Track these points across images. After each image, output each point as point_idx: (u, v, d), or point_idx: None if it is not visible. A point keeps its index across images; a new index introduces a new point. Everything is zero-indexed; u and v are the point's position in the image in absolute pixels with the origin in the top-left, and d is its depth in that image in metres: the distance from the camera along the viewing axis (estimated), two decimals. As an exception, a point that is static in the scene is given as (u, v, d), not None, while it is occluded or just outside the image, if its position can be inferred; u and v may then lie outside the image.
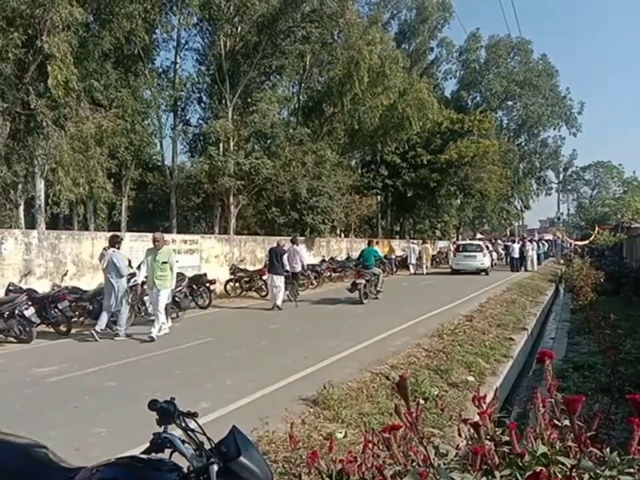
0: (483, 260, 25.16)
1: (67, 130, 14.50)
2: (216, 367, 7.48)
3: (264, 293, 15.67)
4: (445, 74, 46.40)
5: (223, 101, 21.64)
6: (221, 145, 21.20)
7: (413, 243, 28.33)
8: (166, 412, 2.00)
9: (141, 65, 19.62)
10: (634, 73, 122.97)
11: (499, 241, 36.94)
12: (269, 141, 23.98)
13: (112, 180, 18.50)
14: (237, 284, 16.28)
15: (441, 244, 37.90)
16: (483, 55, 46.30)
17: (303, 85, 27.18)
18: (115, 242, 10.21)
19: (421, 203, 35.53)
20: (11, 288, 10.55)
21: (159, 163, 25.48)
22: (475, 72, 45.57)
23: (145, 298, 11.00)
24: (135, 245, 14.17)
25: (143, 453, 2.09)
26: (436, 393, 6.15)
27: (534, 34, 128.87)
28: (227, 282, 16.30)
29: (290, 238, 15.94)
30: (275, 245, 14.46)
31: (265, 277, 15.67)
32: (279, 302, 13.42)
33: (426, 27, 39.40)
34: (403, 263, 26.94)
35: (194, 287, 13.47)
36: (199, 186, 22.89)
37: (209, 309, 13.30)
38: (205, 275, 14.00)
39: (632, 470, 1.69)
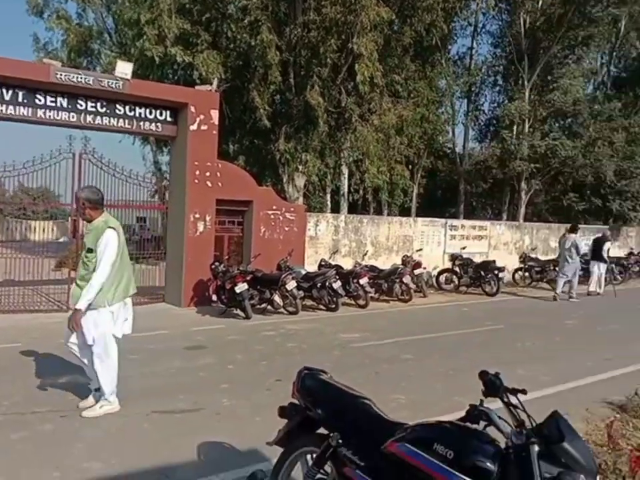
0: None
1: (371, 122, 15.95)
2: (506, 355, 7.35)
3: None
4: None
5: (520, 82, 20.70)
6: (514, 127, 20.37)
7: None
8: (493, 384, 2.08)
9: (438, 55, 20.15)
10: None
11: None
12: (569, 120, 21.99)
13: (409, 167, 19.66)
14: (527, 273, 15.52)
15: None
16: None
17: (615, 54, 23.95)
18: (575, 229, 13.23)
19: None
20: (322, 263, 12.22)
21: (449, 150, 25.87)
22: None
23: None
24: (425, 230, 14.81)
25: (458, 421, 2.19)
26: None
27: None
28: (516, 270, 15.70)
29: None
30: (601, 234, 14.96)
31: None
32: (594, 288, 14.15)
33: None
34: None
35: (481, 273, 13.43)
36: (488, 171, 22.47)
37: (496, 296, 13.07)
38: (494, 262, 13.76)
39: None
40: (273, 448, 2.95)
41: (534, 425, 2.00)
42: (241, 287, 9.33)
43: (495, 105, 23.43)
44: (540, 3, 20.25)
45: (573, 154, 19.08)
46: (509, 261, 15.70)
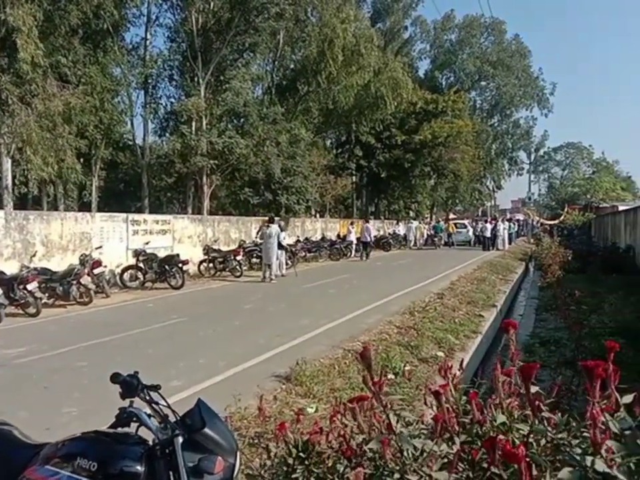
0: (467, 234, 32.84)
1: (34, 107, 14.08)
2: (189, 346, 7.47)
3: (238, 273, 15.64)
4: (420, 53, 46.51)
5: (195, 79, 21.26)
6: (193, 123, 20.88)
7: (412, 222, 32.23)
8: (129, 385, 2.01)
9: (110, 41, 19.10)
10: (603, 55, 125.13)
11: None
12: (242, 120, 23.68)
13: (81, 160, 18.13)
14: (211, 264, 16.18)
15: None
16: (456, 34, 46.44)
17: (276, 63, 26.87)
18: (272, 221, 15.58)
19: (395, 183, 35.70)
20: (-23, 269, 10.30)
21: (130, 142, 24.97)
22: (448, 52, 45.64)
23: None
24: (105, 226, 13.94)
25: (109, 427, 2.10)
26: (407, 368, 6.27)
27: (506, 14, 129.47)
28: (201, 262, 16.19)
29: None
30: (278, 225, 16.24)
31: (239, 257, 15.70)
32: (283, 271, 16.10)
33: (400, 5, 39.19)
34: (377, 243, 27.16)
35: (166, 267, 13.39)
36: (171, 165, 22.54)
37: (182, 289, 13.23)
38: (178, 255, 13.87)
39: (585, 432, 1.75)
40: None
41: (178, 417, 2.01)
42: None
43: (174, 99, 23.62)
44: (211, 4, 21.16)
45: (246, 152, 20.67)
46: (194, 254, 16.08)
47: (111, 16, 17.85)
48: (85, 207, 23.09)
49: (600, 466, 1.35)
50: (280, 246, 15.54)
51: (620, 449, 1.41)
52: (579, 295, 12.21)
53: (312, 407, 5.01)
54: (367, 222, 23.99)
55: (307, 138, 23.93)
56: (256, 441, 4.04)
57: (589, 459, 1.40)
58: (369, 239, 22.63)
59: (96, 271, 11.74)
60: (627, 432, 1.48)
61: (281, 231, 16.02)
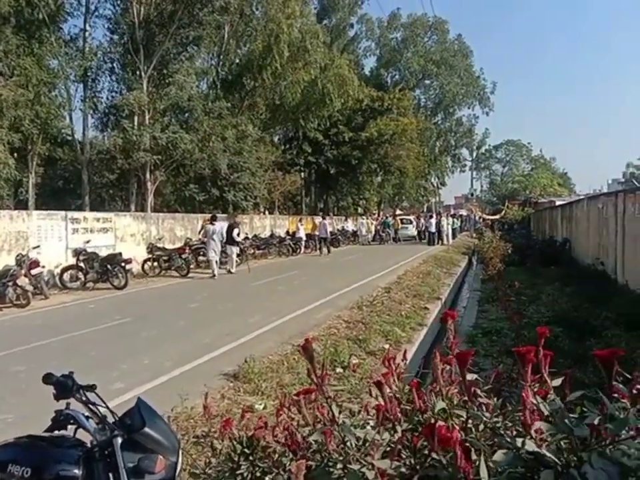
0: (412, 230, 33.42)
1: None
2: (132, 347, 7.27)
3: (184, 272, 15.34)
4: (365, 51, 46.89)
5: (137, 72, 20.63)
6: (135, 118, 20.28)
7: (363, 218, 33.70)
8: (63, 386, 1.94)
9: (47, 31, 18.23)
10: (542, 55, 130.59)
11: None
12: (186, 115, 23.16)
13: (15, 155, 17.26)
14: (155, 263, 15.79)
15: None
16: (401, 33, 47.15)
17: (221, 57, 26.45)
18: (215, 219, 15.70)
19: (343, 180, 36.00)
20: None
21: (69, 138, 23.89)
22: (393, 50, 46.29)
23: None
24: (43, 224, 13.35)
25: (45, 431, 2.02)
26: (354, 361, 6.33)
27: (449, 14, 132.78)
28: (145, 261, 15.77)
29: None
30: (232, 221, 16.79)
31: (184, 255, 15.41)
32: (233, 269, 15.95)
33: (346, 2, 39.42)
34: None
35: (108, 266, 12.97)
36: (113, 161, 21.80)
37: (126, 289, 12.85)
38: (120, 254, 13.46)
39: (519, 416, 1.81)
40: None
41: (117, 417, 1.96)
42: None
43: (115, 93, 22.80)
44: (153, -4, 20.59)
45: (191, 147, 20.23)
46: (137, 252, 15.64)
47: (47, 5, 17.07)
48: (21, 205, 21.97)
49: (530, 446, 1.40)
50: (234, 242, 15.59)
51: (549, 429, 1.47)
52: (519, 287, 12.73)
53: (260, 404, 4.99)
54: (324, 218, 24.69)
55: (254, 134, 23.71)
56: (202, 440, 3.98)
57: (519, 440, 1.45)
58: (326, 235, 23.37)
59: (33, 272, 11.24)
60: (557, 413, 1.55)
61: (235, 227, 16.02)
